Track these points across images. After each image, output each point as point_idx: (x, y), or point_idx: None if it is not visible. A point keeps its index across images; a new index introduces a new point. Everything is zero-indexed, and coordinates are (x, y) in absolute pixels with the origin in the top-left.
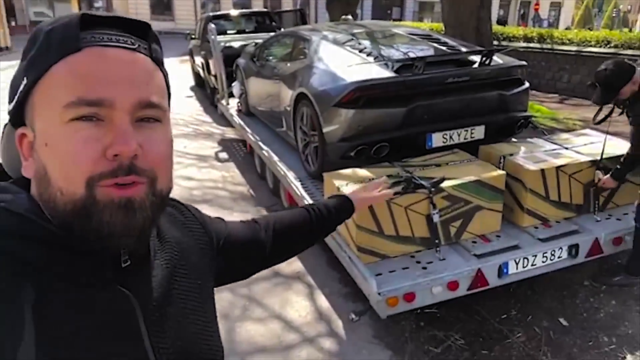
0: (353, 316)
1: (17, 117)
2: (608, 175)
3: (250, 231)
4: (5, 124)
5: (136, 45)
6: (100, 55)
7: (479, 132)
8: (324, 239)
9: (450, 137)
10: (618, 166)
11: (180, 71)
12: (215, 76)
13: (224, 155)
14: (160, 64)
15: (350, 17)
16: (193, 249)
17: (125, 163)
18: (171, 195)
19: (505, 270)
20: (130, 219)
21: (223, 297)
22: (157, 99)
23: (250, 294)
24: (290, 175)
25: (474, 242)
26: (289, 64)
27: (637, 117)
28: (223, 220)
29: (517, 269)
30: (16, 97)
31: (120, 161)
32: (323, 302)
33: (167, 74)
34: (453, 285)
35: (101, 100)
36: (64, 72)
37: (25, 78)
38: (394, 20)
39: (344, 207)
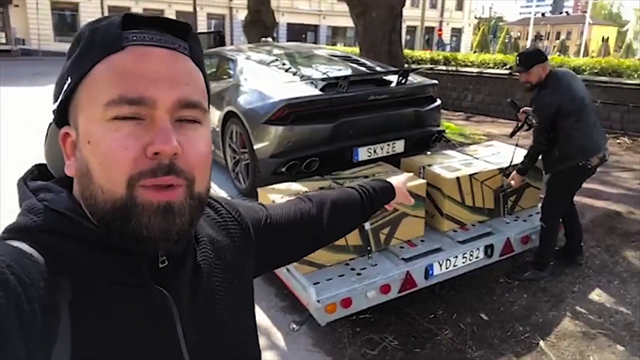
0: (294, 326)
1: (61, 117)
2: (514, 172)
3: (297, 211)
4: (50, 123)
5: (177, 45)
6: (142, 54)
7: (399, 145)
8: None
9: (375, 151)
10: (522, 161)
11: None
12: None
13: None
14: (200, 64)
15: (270, 39)
16: (228, 247)
17: (165, 162)
18: None
19: (431, 272)
20: (169, 223)
21: None
22: (198, 99)
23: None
24: (223, 194)
25: (402, 247)
26: (214, 84)
27: (538, 108)
28: (263, 206)
29: (441, 269)
30: (60, 96)
31: (160, 160)
32: (261, 316)
33: (207, 75)
34: (385, 289)
35: (142, 98)
36: (106, 71)
37: (69, 78)
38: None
39: (388, 191)
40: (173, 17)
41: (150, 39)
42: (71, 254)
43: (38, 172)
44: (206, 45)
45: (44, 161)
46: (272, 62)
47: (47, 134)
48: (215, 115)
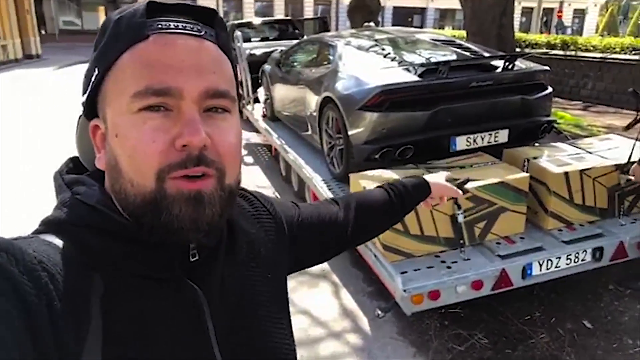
0: (379, 312)
1: (90, 109)
2: (635, 165)
3: (326, 213)
4: (80, 116)
5: (203, 32)
6: (167, 43)
7: (502, 135)
8: None
9: (474, 141)
10: None
11: None
12: (240, 83)
13: (248, 159)
14: (228, 51)
15: (372, 24)
16: (262, 241)
17: (194, 154)
18: None
19: (529, 272)
20: (200, 214)
21: None
22: (225, 87)
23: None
24: (316, 178)
25: (498, 243)
26: (313, 70)
27: None
28: (296, 204)
29: (541, 270)
30: (88, 88)
31: (189, 151)
32: (348, 299)
33: (235, 63)
34: (477, 285)
35: (169, 89)
36: (132, 61)
37: (96, 69)
38: (415, 27)
39: (422, 188)
40: (281, 2)
41: (176, 26)
42: (103, 249)
43: (73, 164)
44: (311, 32)
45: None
46: (371, 47)
47: (77, 126)
48: (313, 100)
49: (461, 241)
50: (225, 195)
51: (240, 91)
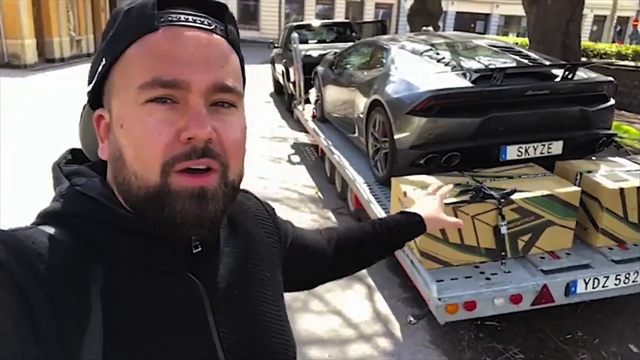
0: (411, 318)
1: (95, 99)
2: None
3: (315, 240)
4: (84, 106)
5: (213, 27)
6: (177, 36)
7: (556, 147)
8: None
9: (526, 151)
10: None
11: (259, 78)
12: (293, 83)
13: (296, 158)
14: (236, 46)
15: (431, 28)
16: (263, 240)
17: (200, 146)
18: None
19: (573, 289)
20: (203, 210)
21: None
22: (233, 82)
23: (310, 291)
24: (359, 180)
25: (542, 257)
26: (365, 72)
27: None
28: (292, 224)
29: (586, 288)
30: (94, 78)
31: (194, 144)
32: (382, 303)
33: (242, 58)
34: (516, 299)
35: (176, 81)
36: (140, 52)
37: (103, 59)
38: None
39: (414, 225)
40: (342, 5)
41: (186, 19)
42: (103, 240)
43: (72, 156)
44: (370, 35)
45: (77, 145)
46: (425, 51)
47: (81, 115)
48: (362, 103)
49: (503, 253)
50: (229, 191)
51: (293, 91)
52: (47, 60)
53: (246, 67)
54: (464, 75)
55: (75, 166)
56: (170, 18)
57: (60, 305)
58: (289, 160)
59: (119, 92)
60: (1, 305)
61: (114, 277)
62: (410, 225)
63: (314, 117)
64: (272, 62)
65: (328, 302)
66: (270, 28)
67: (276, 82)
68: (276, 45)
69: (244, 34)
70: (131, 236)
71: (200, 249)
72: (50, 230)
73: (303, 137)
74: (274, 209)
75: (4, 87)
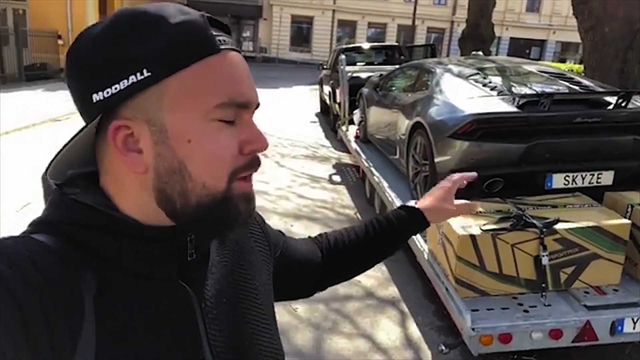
0: (443, 348)
1: (108, 108)
2: None
3: (307, 248)
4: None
5: (239, 48)
6: (232, 59)
7: (606, 177)
8: (422, 266)
9: (573, 180)
10: None
11: (308, 99)
12: (339, 104)
13: (336, 178)
14: None
15: (480, 53)
16: (253, 251)
17: (257, 157)
18: (281, 210)
19: (619, 328)
20: (251, 209)
21: (316, 308)
22: None
23: (342, 309)
24: (398, 203)
25: (586, 292)
26: (409, 95)
27: None
28: (282, 233)
29: (634, 328)
30: (126, 85)
31: (254, 156)
32: (414, 330)
33: None
34: (556, 334)
35: (248, 102)
36: (209, 71)
37: (145, 70)
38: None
39: (414, 221)
40: (394, 30)
41: (227, 42)
42: (98, 247)
43: None
44: (419, 59)
45: None
46: (471, 75)
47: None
48: (404, 125)
49: (543, 285)
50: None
51: (339, 112)
52: None
53: (295, 87)
54: (510, 99)
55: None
56: (224, 41)
57: (53, 312)
58: (330, 180)
59: (182, 107)
60: None
61: (106, 284)
62: (408, 220)
63: (357, 137)
64: (320, 83)
65: (359, 325)
66: (322, 50)
67: (323, 102)
68: (325, 67)
69: (296, 55)
70: (125, 242)
71: (194, 257)
72: (44, 238)
73: (346, 158)
74: (262, 217)
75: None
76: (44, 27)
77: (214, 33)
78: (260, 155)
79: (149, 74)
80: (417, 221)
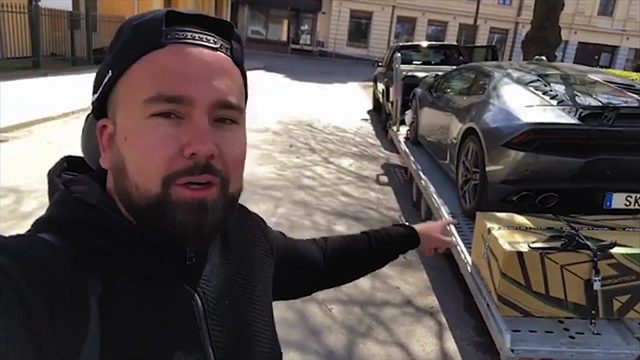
0: None
1: (100, 109)
2: None
3: (307, 251)
4: (88, 115)
5: (218, 45)
6: (182, 53)
7: None
8: (465, 278)
9: (636, 201)
10: None
11: (361, 96)
12: (392, 103)
13: (384, 178)
14: (240, 64)
15: (544, 58)
16: (254, 253)
17: (201, 162)
18: (326, 208)
19: None
20: (202, 220)
21: (351, 310)
22: (235, 99)
23: (378, 315)
24: (444, 210)
25: None
26: (464, 98)
27: None
28: (283, 234)
29: None
30: (100, 89)
31: (196, 160)
32: (451, 344)
33: (246, 75)
34: None
35: (180, 97)
36: (146, 67)
37: (110, 71)
38: (601, 67)
39: (409, 237)
40: (455, 29)
41: (192, 37)
42: (102, 248)
43: (68, 163)
44: (480, 60)
45: (75, 153)
46: (531, 82)
47: (85, 124)
48: (456, 129)
49: (593, 312)
50: (228, 203)
51: (391, 111)
52: None
53: (350, 83)
54: (571, 110)
55: (73, 175)
56: (177, 35)
57: (59, 312)
58: (377, 180)
59: (123, 105)
60: (0, 312)
61: (111, 285)
62: (405, 238)
63: (407, 138)
64: (375, 81)
65: (394, 332)
66: (379, 47)
67: (376, 100)
68: (380, 64)
69: (353, 51)
70: (128, 244)
71: (194, 260)
72: (49, 237)
73: (395, 159)
74: (264, 220)
75: None
76: (113, 12)
77: (177, 29)
78: (307, 151)
79: (110, 74)
80: (412, 241)
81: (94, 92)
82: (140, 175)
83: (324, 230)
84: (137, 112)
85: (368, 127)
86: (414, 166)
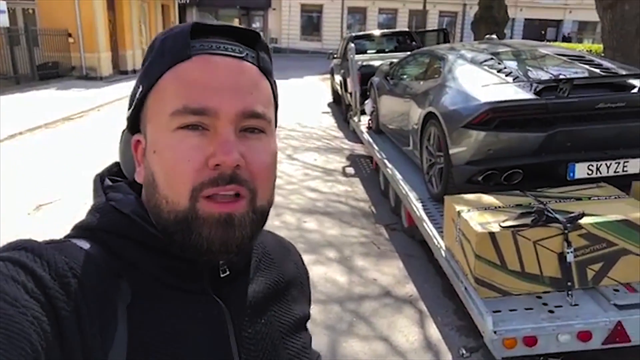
0: (463, 351)
1: (134, 124)
2: None
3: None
4: (124, 130)
5: (244, 54)
6: (208, 63)
7: (633, 165)
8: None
9: (598, 169)
10: None
11: (319, 89)
12: (351, 94)
13: (350, 170)
14: (268, 73)
15: (494, 36)
16: (296, 285)
17: (227, 173)
18: (294, 206)
19: None
20: (230, 236)
21: (330, 308)
22: (262, 109)
23: (358, 310)
24: (412, 196)
25: (616, 290)
26: (421, 83)
27: None
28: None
29: None
30: (133, 104)
31: (221, 171)
32: (433, 331)
33: (275, 84)
34: (584, 336)
35: (206, 109)
36: (173, 80)
37: (141, 86)
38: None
39: None
40: (406, 15)
41: (218, 47)
42: (133, 257)
43: (118, 168)
44: (432, 44)
45: None
46: (485, 61)
47: (121, 139)
48: (416, 115)
49: (569, 283)
50: (257, 217)
51: (350, 102)
52: (120, 72)
53: (307, 77)
54: (527, 86)
55: (115, 181)
56: (202, 46)
57: (87, 320)
58: (344, 172)
59: (152, 118)
60: (30, 315)
61: (140, 294)
62: None
63: (369, 128)
64: (332, 73)
65: (375, 326)
66: (333, 39)
67: (335, 92)
68: (335, 55)
69: (307, 45)
70: (160, 255)
71: (228, 272)
72: (83, 244)
73: (359, 149)
74: (309, 276)
75: (80, 98)
76: (54, 26)
77: (202, 40)
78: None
79: (141, 89)
80: None
81: (129, 108)
82: (169, 188)
83: (294, 228)
84: (165, 125)
85: (329, 120)
86: (378, 155)
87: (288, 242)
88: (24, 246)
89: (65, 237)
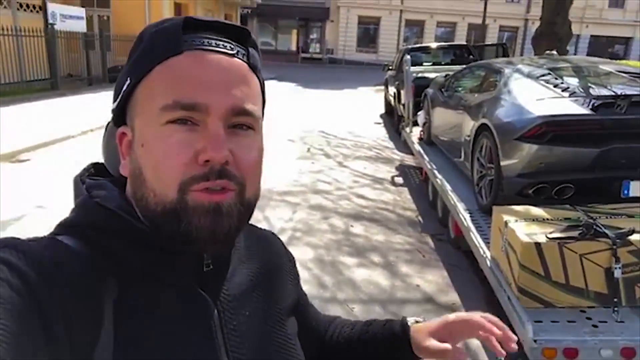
0: (501, 359)
1: (119, 116)
2: None
3: (318, 320)
4: (108, 122)
5: (235, 51)
6: (199, 59)
7: None
8: (484, 273)
9: None
10: None
11: (373, 100)
12: (404, 105)
13: (399, 179)
14: (257, 70)
15: (555, 52)
16: (280, 275)
17: (216, 168)
18: (342, 210)
19: None
20: (217, 225)
21: (372, 309)
22: (251, 106)
23: (399, 313)
24: (461, 206)
25: None
26: (476, 95)
27: None
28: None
29: None
30: (119, 97)
31: (211, 166)
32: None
33: (263, 81)
34: (628, 353)
35: (196, 104)
36: (163, 74)
37: (128, 78)
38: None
39: (394, 341)
40: (464, 29)
41: (209, 43)
42: (119, 252)
43: (95, 169)
44: (491, 58)
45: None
46: (542, 76)
47: (105, 131)
48: (469, 126)
49: (615, 300)
50: (244, 209)
51: (402, 113)
52: None
53: (360, 88)
54: (583, 101)
55: (96, 180)
56: (194, 42)
57: (74, 315)
58: (393, 182)
59: (141, 112)
60: (16, 312)
61: (127, 289)
62: (392, 341)
63: (420, 139)
64: (386, 84)
65: None
66: (388, 51)
67: (388, 103)
68: (390, 67)
69: (362, 56)
70: (146, 250)
71: (211, 267)
72: (67, 240)
73: (409, 160)
74: (295, 259)
75: None
76: (126, 32)
77: (193, 35)
78: (321, 156)
79: (129, 82)
80: (402, 349)
81: (114, 100)
82: (157, 181)
83: (341, 232)
84: (154, 119)
85: (381, 130)
86: (428, 165)
87: (268, 231)
88: (8, 244)
89: (49, 234)
